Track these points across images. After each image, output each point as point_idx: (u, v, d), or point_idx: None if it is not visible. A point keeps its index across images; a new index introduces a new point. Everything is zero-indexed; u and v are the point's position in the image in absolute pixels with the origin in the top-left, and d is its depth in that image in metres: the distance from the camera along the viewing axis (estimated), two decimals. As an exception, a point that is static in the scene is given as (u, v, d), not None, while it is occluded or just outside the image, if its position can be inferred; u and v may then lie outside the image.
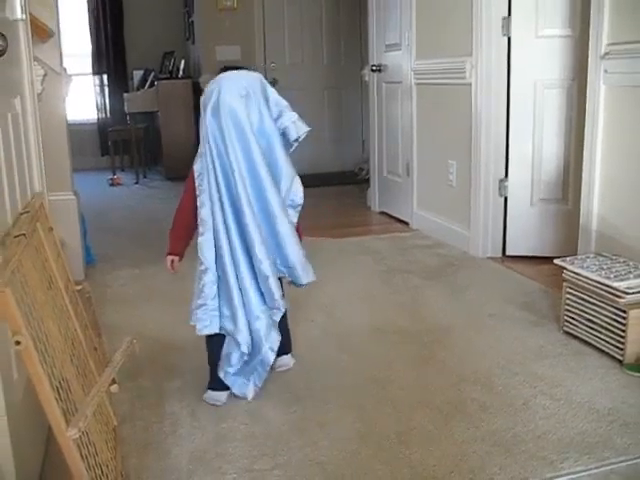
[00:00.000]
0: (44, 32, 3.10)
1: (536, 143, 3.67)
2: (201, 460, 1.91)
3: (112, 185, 7.13)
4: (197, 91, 7.26)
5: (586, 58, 2.99)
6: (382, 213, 5.20)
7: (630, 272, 2.51)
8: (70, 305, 1.92)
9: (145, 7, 8.04)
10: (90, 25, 8.23)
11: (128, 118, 7.54)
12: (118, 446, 1.90)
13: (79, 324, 1.96)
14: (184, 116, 7.27)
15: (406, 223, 4.76)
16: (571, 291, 2.69)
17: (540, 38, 3.58)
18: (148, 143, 7.74)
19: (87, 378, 1.75)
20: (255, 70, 2.13)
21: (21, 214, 1.75)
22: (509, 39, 3.66)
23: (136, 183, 7.21)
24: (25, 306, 1.40)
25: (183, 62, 7.57)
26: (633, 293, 2.41)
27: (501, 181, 3.79)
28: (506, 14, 3.64)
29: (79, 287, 2.21)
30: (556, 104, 3.61)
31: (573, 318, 2.68)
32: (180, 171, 7.32)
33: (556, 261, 2.77)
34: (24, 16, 2.10)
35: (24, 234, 1.56)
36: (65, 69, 3.61)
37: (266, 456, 1.92)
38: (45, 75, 2.87)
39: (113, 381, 1.68)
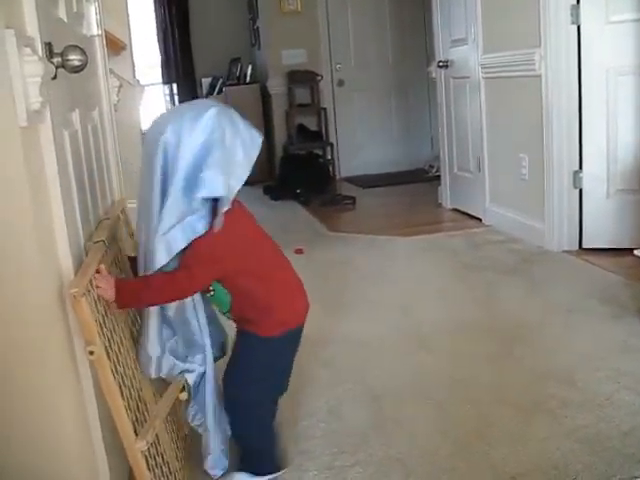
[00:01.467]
0: (118, 46, 3.19)
1: (610, 133, 3.58)
2: (282, 458, 1.93)
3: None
4: (265, 95, 7.35)
5: (662, 42, 2.91)
6: (454, 210, 5.15)
7: None
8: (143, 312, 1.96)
9: (211, 15, 8.17)
10: (158, 36, 8.42)
11: (198, 125, 7.67)
12: (188, 455, 1.92)
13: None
14: (253, 120, 7.09)
15: (479, 219, 4.71)
16: (653, 283, 2.61)
17: (611, 24, 3.49)
18: (219, 149, 7.86)
19: (158, 386, 1.79)
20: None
21: (101, 221, 1.81)
22: (578, 27, 3.57)
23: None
24: (100, 314, 1.44)
25: (250, 68, 7.66)
26: None
27: (575, 173, 3.71)
28: (575, 2, 3.56)
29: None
30: (630, 91, 3.51)
31: (656, 311, 2.61)
32: (252, 175, 7.41)
33: (636, 252, 2.70)
34: (100, 32, 2.17)
35: (103, 240, 1.61)
36: (138, 80, 3.71)
37: (346, 453, 1.93)
38: (120, 87, 2.95)
39: (183, 388, 1.71)
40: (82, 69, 1.39)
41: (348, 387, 2.34)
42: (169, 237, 1.47)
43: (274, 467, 1.82)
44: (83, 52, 1.37)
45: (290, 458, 1.92)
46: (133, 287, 1.59)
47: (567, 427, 1.98)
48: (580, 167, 3.70)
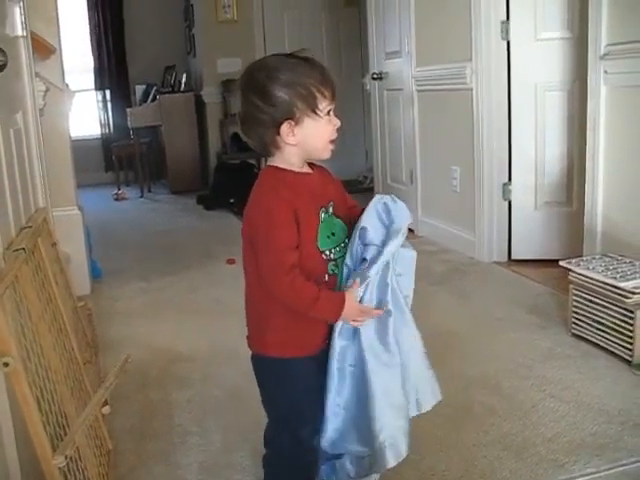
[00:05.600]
0: (46, 49, 3.12)
1: (539, 146, 3.67)
2: (211, 470, 1.90)
3: (117, 200, 7.15)
4: (200, 104, 7.29)
5: (586, 59, 2.99)
6: (387, 220, 5.18)
7: (636, 272, 2.50)
8: (70, 322, 1.91)
9: (146, 22, 8.08)
10: (92, 41, 8.28)
11: (131, 133, 7.57)
12: (111, 471, 1.86)
13: (78, 342, 1.95)
14: (187, 129, 7.29)
15: (411, 230, 4.75)
16: (578, 293, 2.68)
17: (539, 41, 3.59)
18: (152, 157, 7.77)
19: (82, 399, 1.73)
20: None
21: (22, 229, 1.75)
22: (508, 43, 3.66)
23: (141, 197, 7.23)
24: (18, 324, 1.38)
25: (185, 76, 7.59)
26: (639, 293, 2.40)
27: (505, 185, 3.79)
28: (505, 18, 3.65)
29: (81, 304, 2.20)
30: (557, 106, 3.61)
31: (581, 320, 2.67)
32: (185, 184, 7.40)
33: (562, 263, 2.76)
34: (25, 33, 2.11)
35: (23, 248, 1.56)
36: (67, 85, 3.62)
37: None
38: (47, 91, 2.89)
39: (105, 402, 1.66)
40: (2, 69, 1.35)
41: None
42: None
43: None
44: (3, 52, 1.32)
45: (218, 470, 1.88)
46: None
47: (494, 434, 2.01)
48: (509, 179, 3.77)
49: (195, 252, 4.57)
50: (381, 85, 5.09)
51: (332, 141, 1.45)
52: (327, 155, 1.47)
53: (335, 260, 1.48)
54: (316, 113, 1.40)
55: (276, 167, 1.46)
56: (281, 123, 1.39)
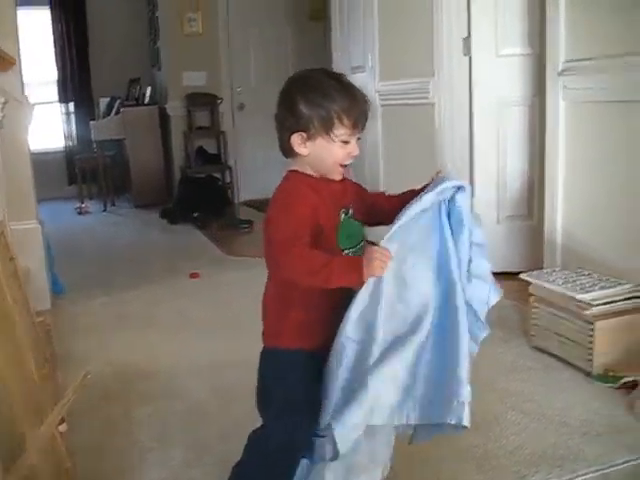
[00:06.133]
0: (4, 61, 3.07)
1: (500, 160, 3.71)
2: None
3: (80, 214, 7.06)
4: (164, 117, 7.24)
5: (545, 75, 3.05)
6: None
7: (595, 284, 2.54)
8: (27, 338, 1.87)
9: (110, 34, 8.01)
10: (55, 53, 8.19)
11: (95, 146, 7.49)
12: None
13: (36, 358, 1.91)
14: (151, 143, 7.24)
15: (373, 244, 4.76)
16: (538, 305, 2.71)
17: (500, 57, 3.63)
18: (116, 171, 7.68)
19: (38, 417, 1.70)
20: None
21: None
22: (470, 59, 3.70)
23: (104, 211, 7.15)
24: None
25: (149, 89, 7.54)
26: (598, 305, 2.44)
27: (467, 199, 3.81)
28: (466, 34, 3.69)
29: (40, 319, 2.17)
30: (518, 121, 3.66)
31: (541, 332, 2.70)
32: (149, 198, 7.33)
33: (522, 276, 2.79)
34: (-18, 44, 2.08)
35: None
36: (27, 97, 3.58)
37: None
38: (5, 103, 2.85)
39: (62, 420, 1.63)
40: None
41: (243, 413, 2.30)
42: None
43: None
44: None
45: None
46: None
47: (458, 447, 2.01)
48: (472, 193, 3.80)
49: (158, 266, 4.53)
50: (345, 99, 5.10)
51: (342, 165, 1.51)
52: (335, 176, 1.53)
53: None
54: (330, 136, 1.46)
55: (297, 171, 1.53)
56: (293, 132, 1.47)
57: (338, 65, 5.17)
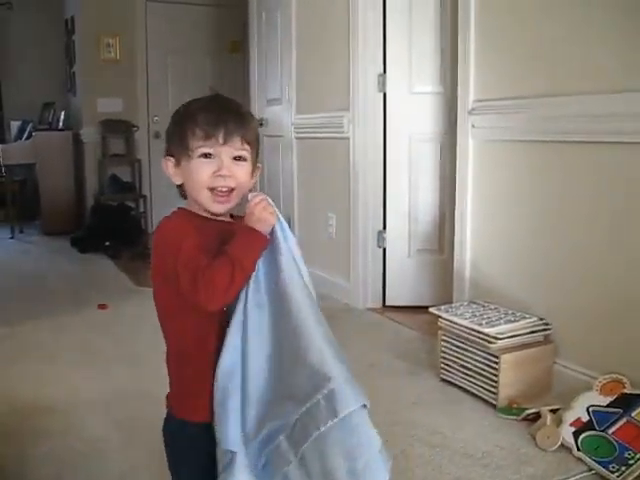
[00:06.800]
0: None
1: (412, 195, 3.77)
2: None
3: (-15, 240, 6.79)
4: (78, 143, 7.08)
5: (456, 114, 3.13)
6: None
7: (501, 318, 2.59)
8: None
9: (24, 56, 7.81)
10: (-36, 75, 7.94)
11: (4, 170, 7.24)
12: None
13: None
14: (64, 169, 7.04)
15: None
16: (446, 339, 2.74)
17: (414, 94, 3.72)
18: (25, 196, 7.44)
19: None
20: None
21: None
22: (385, 95, 3.78)
23: (11, 238, 6.88)
24: None
25: (63, 114, 7.37)
26: (504, 338, 2.48)
27: (379, 233, 3.86)
28: (382, 71, 3.77)
29: None
30: (430, 157, 3.74)
31: (449, 365, 2.73)
32: (59, 225, 7.12)
33: (431, 309, 2.82)
34: None
35: None
36: None
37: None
38: None
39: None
40: None
41: (140, 450, 2.22)
42: None
43: None
44: None
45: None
46: None
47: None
48: (384, 227, 3.85)
49: (65, 297, 4.37)
50: (262, 131, 5.11)
51: (213, 189, 1.29)
52: (212, 207, 1.31)
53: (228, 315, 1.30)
54: (187, 153, 1.29)
55: (183, 208, 1.35)
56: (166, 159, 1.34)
57: (255, 97, 5.20)
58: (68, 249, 6.08)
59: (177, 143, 1.31)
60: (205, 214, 1.33)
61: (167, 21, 7.07)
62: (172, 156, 1.33)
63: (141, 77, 7.05)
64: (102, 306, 4.01)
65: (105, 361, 3.10)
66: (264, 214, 1.26)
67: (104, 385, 2.78)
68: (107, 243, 5.86)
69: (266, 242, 1.26)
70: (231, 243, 1.24)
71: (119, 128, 6.85)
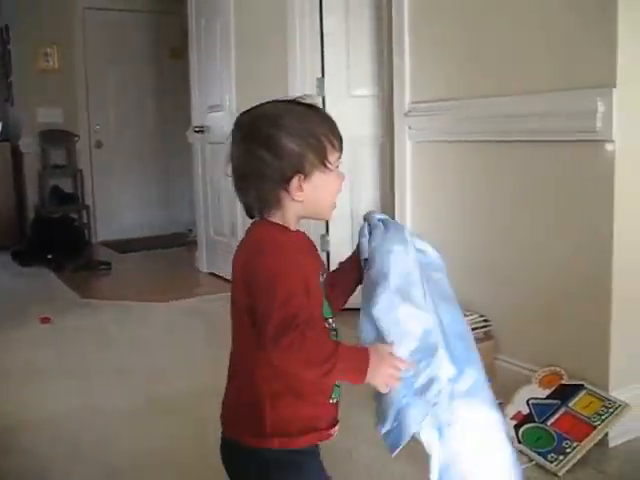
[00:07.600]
0: None
1: (354, 199, 3.79)
2: None
3: None
4: (16, 154, 6.94)
5: (393, 116, 3.16)
6: (211, 274, 5.13)
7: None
8: None
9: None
10: None
11: (-62, 184, 7.06)
12: None
13: None
14: (2, 181, 6.87)
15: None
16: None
17: (352, 97, 3.76)
18: (-38, 210, 7.27)
19: None
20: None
21: None
22: (323, 98, 3.80)
23: (-52, 253, 6.72)
24: None
25: (1, 124, 7.21)
26: (444, 337, 2.50)
27: (323, 237, 3.88)
28: (320, 75, 3.79)
29: None
30: (370, 160, 3.78)
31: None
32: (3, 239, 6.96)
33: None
34: None
35: None
36: None
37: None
38: None
39: None
40: None
41: (87, 466, 2.19)
42: None
43: None
44: None
45: None
46: None
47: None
48: (327, 231, 3.87)
49: (6, 311, 4.26)
50: (204, 138, 5.09)
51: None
52: (330, 215, 1.32)
53: (335, 330, 1.30)
54: (326, 166, 1.24)
55: (276, 223, 1.27)
56: (290, 178, 1.22)
57: (197, 103, 5.16)
58: (8, 263, 5.94)
59: (312, 155, 1.23)
60: (291, 228, 1.29)
61: (106, 29, 7.00)
62: (299, 172, 1.23)
63: (81, 86, 6.95)
64: (45, 319, 3.93)
65: (48, 377, 3.03)
66: (386, 370, 1.20)
67: (50, 401, 2.72)
68: (49, 256, 5.74)
69: (360, 380, 1.18)
70: (346, 350, 1.18)
71: (59, 138, 6.74)
